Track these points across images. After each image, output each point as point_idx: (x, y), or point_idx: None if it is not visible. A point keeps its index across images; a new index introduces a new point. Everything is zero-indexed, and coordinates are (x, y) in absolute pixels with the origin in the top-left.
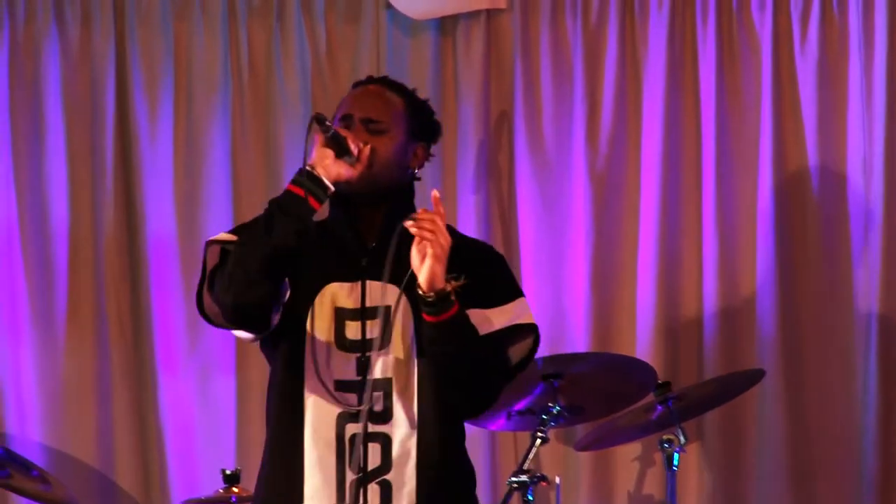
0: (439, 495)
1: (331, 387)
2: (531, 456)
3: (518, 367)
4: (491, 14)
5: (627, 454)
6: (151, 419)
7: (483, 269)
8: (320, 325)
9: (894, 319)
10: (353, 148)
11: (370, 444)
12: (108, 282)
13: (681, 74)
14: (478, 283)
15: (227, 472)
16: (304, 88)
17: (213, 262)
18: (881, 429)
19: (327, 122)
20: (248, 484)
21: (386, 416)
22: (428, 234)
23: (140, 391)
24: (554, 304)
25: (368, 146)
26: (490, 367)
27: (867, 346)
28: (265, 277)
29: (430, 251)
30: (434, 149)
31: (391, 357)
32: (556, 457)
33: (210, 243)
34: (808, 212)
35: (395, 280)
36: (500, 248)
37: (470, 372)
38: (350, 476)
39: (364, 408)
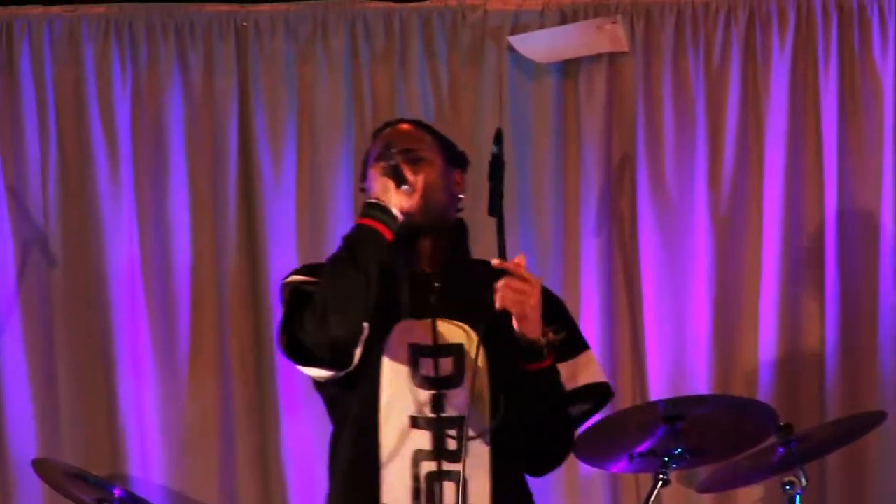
0: None
1: (407, 423)
2: (653, 498)
3: (584, 420)
4: (613, 57)
5: (749, 496)
6: (273, 461)
7: (550, 320)
8: (395, 361)
9: None
10: (410, 177)
11: (445, 483)
12: (231, 325)
13: (802, 117)
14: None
15: None
16: None
17: (292, 303)
18: None
19: (390, 151)
20: None
21: (459, 455)
22: (524, 286)
23: (263, 433)
24: (675, 346)
25: (421, 175)
26: (564, 424)
27: None
28: (359, 309)
29: (530, 301)
30: (558, 192)
31: (465, 395)
32: (678, 499)
33: (287, 284)
34: None
35: (464, 318)
36: (622, 292)
37: (550, 427)
38: None
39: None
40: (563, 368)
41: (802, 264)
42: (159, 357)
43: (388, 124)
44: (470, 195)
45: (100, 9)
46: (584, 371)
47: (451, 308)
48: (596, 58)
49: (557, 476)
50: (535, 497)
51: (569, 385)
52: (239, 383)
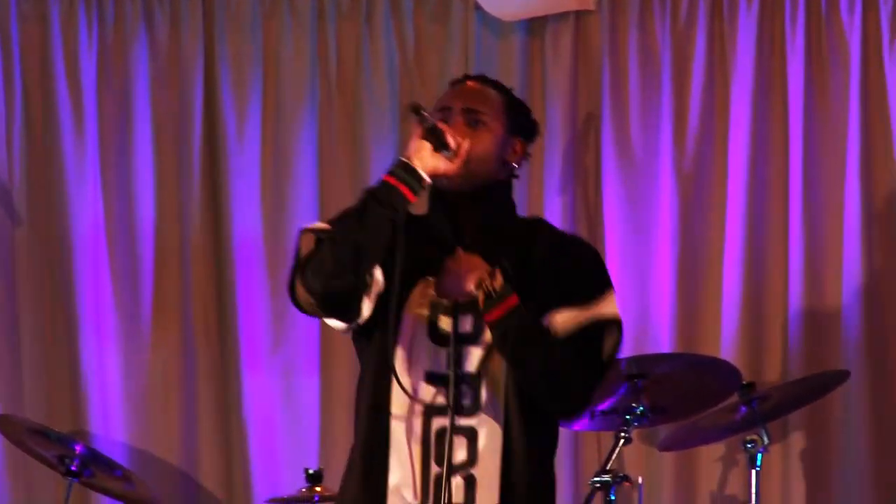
0: (522, 493)
1: (421, 378)
2: (614, 456)
3: (607, 364)
4: (579, 15)
5: (710, 454)
6: (235, 418)
7: (570, 264)
8: (415, 316)
9: None
10: (452, 142)
11: (456, 438)
12: (194, 282)
13: (769, 76)
14: (565, 278)
15: (311, 471)
16: (392, 90)
17: (307, 249)
18: None
19: (424, 113)
20: (331, 483)
21: (474, 409)
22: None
23: (224, 390)
24: (639, 305)
25: (467, 141)
26: (573, 365)
27: None
28: (355, 266)
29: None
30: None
31: (481, 352)
32: (639, 457)
33: (304, 231)
34: None
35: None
36: None
37: (545, 372)
38: (434, 469)
39: (452, 401)
40: (580, 308)
41: (767, 223)
42: (122, 314)
43: (465, 77)
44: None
45: None
46: (600, 311)
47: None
48: (562, 16)
49: None
50: None
51: (579, 321)
52: (201, 340)
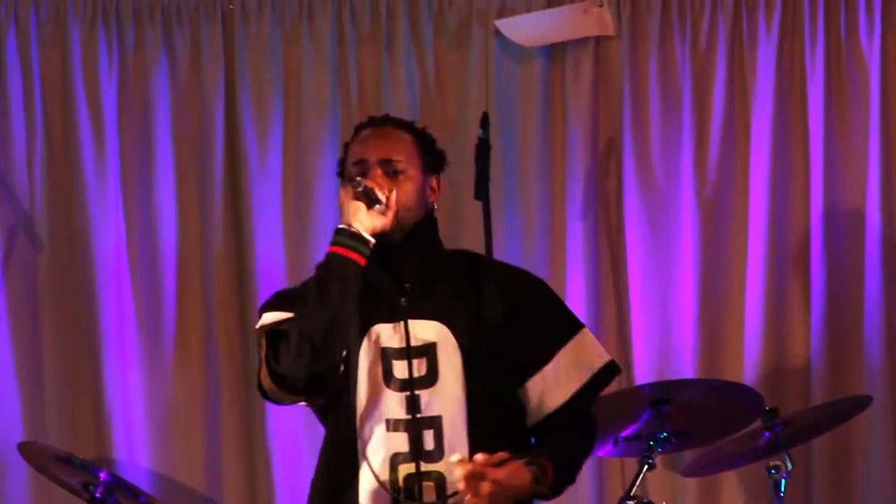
0: None
1: (383, 427)
2: (638, 482)
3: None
4: (599, 41)
5: (734, 480)
6: (259, 444)
7: (536, 305)
8: (369, 366)
9: None
10: (382, 197)
11: (424, 484)
12: (217, 307)
13: (789, 100)
14: (534, 321)
15: None
16: (413, 114)
17: (265, 347)
18: None
19: (357, 179)
20: None
21: (437, 454)
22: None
23: (248, 417)
24: (662, 331)
25: (394, 191)
26: (582, 445)
27: None
28: (333, 345)
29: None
30: (543, 175)
31: (440, 394)
32: (663, 482)
33: (261, 329)
34: None
35: (438, 316)
36: (608, 276)
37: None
38: None
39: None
40: (562, 355)
41: (789, 249)
42: (145, 341)
43: (370, 121)
44: (456, 183)
45: None
46: (584, 355)
47: (424, 306)
48: (582, 42)
49: None
50: None
51: (574, 375)
52: (224, 367)
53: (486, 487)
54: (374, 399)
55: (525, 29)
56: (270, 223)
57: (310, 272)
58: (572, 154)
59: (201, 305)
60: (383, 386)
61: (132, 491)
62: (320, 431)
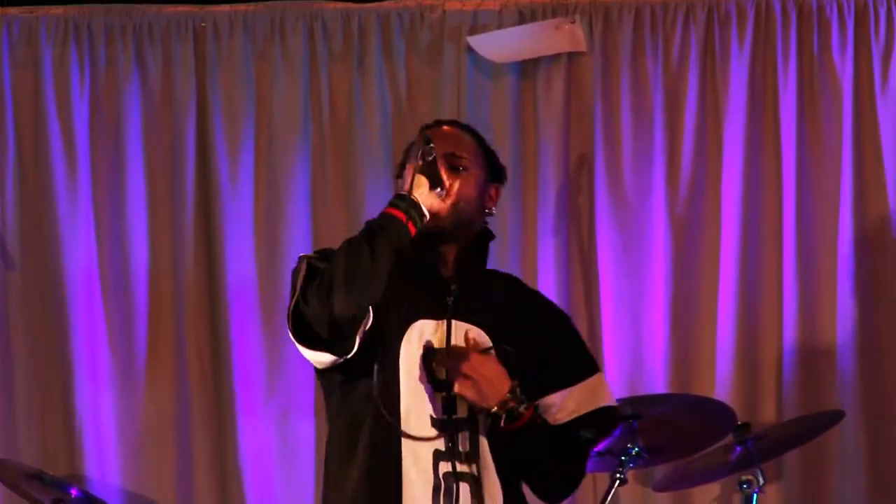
0: None
1: (428, 424)
2: (610, 497)
3: (592, 447)
4: (571, 57)
5: (706, 495)
6: (230, 462)
7: (559, 341)
8: (412, 361)
9: None
10: (446, 181)
11: (461, 483)
12: (188, 326)
13: (761, 117)
14: (555, 356)
15: None
16: (385, 132)
17: (299, 276)
18: None
19: (431, 145)
20: None
21: (473, 455)
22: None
23: (219, 434)
24: (633, 346)
25: (458, 181)
26: (572, 455)
27: None
28: (366, 292)
29: (480, 384)
30: (515, 191)
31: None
32: (634, 498)
33: (300, 259)
34: (890, 253)
35: (478, 321)
36: (580, 291)
37: (546, 472)
38: None
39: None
40: (572, 393)
41: (760, 264)
42: (116, 359)
43: (438, 122)
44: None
45: (58, 10)
46: (593, 396)
47: (468, 310)
48: (554, 58)
49: None
50: None
51: (576, 410)
52: (196, 384)
53: (466, 367)
54: (416, 393)
55: (497, 45)
56: (242, 240)
57: (282, 289)
58: (544, 170)
59: (172, 323)
60: (425, 382)
61: None
62: (291, 451)
